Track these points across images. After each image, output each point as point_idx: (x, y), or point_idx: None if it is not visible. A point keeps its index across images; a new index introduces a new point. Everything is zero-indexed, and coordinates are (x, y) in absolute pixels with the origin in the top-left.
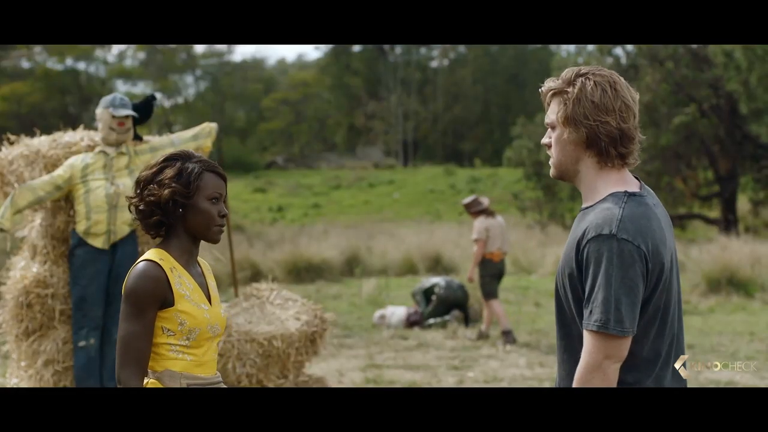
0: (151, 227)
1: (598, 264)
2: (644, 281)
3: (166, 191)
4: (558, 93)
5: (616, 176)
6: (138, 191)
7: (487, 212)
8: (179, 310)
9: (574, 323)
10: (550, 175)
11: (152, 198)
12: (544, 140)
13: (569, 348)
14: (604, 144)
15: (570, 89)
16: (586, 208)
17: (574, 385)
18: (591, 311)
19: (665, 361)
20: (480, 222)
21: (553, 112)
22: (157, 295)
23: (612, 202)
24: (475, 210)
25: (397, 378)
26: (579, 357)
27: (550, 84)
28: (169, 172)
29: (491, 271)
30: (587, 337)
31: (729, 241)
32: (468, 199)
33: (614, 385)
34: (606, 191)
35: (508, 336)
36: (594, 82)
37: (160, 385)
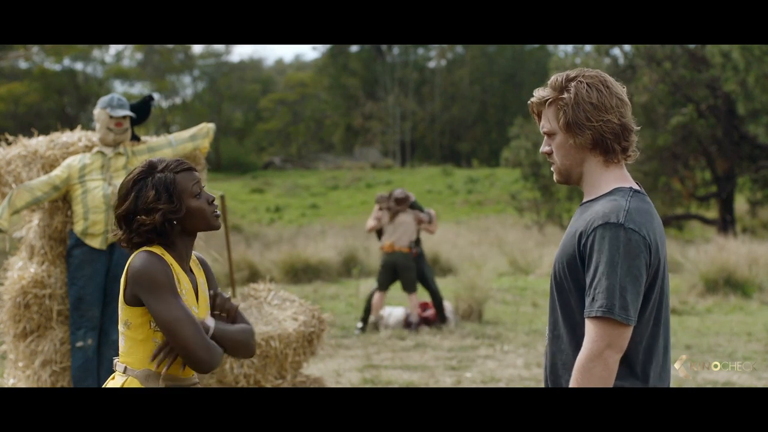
0: (151, 243)
1: (603, 252)
2: (647, 273)
3: (158, 216)
4: (552, 101)
5: (617, 172)
6: (124, 227)
7: (393, 209)
8: None
9: (576, 310)
10: (555, 180)
11: (146, 227)
12: (544, 149)
13: (568, 334)
14: (609, 142)
15: (565, 95)
16: (588, 201)
17: (574, 373)
18: (594, 298)
19: (656, 357)
20: (376, 212)
21: (550, 121)
22: (169, 275)
23: (618, 195)
24: (388, 203)
25: (394, 378)
26: (581, 342)
27: (540, 93)
28: (148, 196)
29: (383, 261)
30: (590, 325)
31: (726, 241)
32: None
33: (614, 376)
34: (609, 186)
35: (378, 324)
36: (587, 84)
37: (138, 384)
